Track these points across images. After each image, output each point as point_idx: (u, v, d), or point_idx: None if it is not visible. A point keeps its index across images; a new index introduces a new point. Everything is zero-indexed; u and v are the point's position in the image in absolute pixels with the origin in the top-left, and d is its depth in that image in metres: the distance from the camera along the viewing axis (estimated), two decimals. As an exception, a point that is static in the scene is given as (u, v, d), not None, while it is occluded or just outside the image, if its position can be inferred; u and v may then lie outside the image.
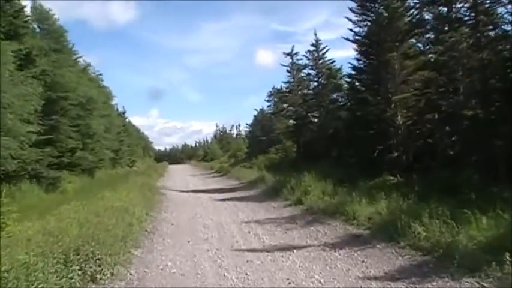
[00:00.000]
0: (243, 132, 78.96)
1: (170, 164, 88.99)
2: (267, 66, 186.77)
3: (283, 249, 9.15)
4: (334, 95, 31.21)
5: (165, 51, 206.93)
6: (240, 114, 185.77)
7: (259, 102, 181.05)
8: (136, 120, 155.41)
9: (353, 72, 22.72)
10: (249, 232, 11.09)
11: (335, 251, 8.76)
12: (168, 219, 13.69)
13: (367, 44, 20.60)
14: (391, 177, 16.14)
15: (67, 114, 25.02)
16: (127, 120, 64.59)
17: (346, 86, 28.60)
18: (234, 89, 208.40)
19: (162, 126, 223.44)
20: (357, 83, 23.39)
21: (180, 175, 43.65)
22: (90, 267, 6.66)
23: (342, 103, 29.48)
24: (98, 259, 6.91)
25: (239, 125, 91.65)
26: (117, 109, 55.76)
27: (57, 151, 23.81)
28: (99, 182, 26.26)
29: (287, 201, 16.03)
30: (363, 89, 21.81)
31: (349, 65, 22.13)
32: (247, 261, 8.22)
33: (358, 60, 21.68)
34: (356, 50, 21.36)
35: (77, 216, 9.16)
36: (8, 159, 13.60)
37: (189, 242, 10.12)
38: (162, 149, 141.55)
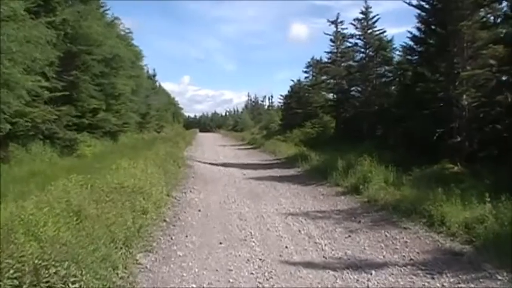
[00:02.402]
0: (275, 104, 76.80)
1: (200, 131, 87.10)
2: (300, 40, 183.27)
3: (355, 267, 6.38)
4: (383, 69, 28.03)
5: (200, 19, 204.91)
6: (271, 86, 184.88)
7: (291, 75, 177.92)
8: (167, 86, 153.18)
9: (410, 44, 19.83)
10: (300, 231, 8.34)
11: (433, 278, 5.93)
12: (193, 202, 11.04)
13: (433, 11, 17.67)
14: (451, 166, 13.71)
15: (89, 70, 22.49)
16: (157, 84, 62.38)
17: (397, 59, 25.89)
18: (267, 60, 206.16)
19: (193, 93, 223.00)
20: (412, 57, 20.72)
21: (210, 144, 41.03)
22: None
23: (391, 78, 26.53)
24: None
25: (272, 97, 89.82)
26: (147, 71, 53.45)
27: (76, 111, 21.52)
28: (121, 147, 23.91)
29: (338, 188, 13.22)
30: (420, 62, 19.09)
31: (408, 35, 19.20)
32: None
33: (419, 30, 18.87)
34: (419, 18, 18.44)
35: (66, 200, 6.53)
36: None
37: (221, 243, 7.41)
38: (192, 116, 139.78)
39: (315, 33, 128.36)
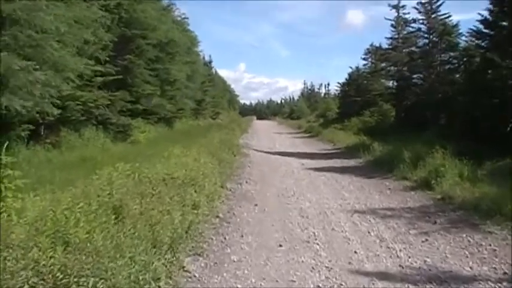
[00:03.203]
0: (332, 92, 75.47)
1: (257, 119, 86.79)
2: (355, 27, 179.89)
3: (438, 280, 5.32)
4: (448, 56, 26.36)
5: (256, 6, 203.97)
6: (326, 74, 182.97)
7: (346, 62, 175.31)
8: (223, 73, 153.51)
9: (479, 27, 18.64)
10: (369, 233, 7.29)
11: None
12: (249, 195, 10.14)
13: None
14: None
15: (143, 55, 22.03)
16: (213, 70, 62.05)
17: (462, 45, 24.32)
18: (322, 47, 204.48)
19: (248, 80, 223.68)
20: (481, 42, 19.31)
21: (266, 132, 40.11)
22: None
23: (456, 65, 25.17)
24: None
25: (328, 84, 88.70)
26: (204, 57, 53.10)
27: (131, 96, 21.11)
28: (175, 134, 23.40)
29: (406, 182, 11.99)
30: (490, 47, 17.79)
31: (476, 19, 18.13)
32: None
33: (490, 11, 17.75)
34: None
35: (108, 193, 5.77)
36: (45, 100, 10.34)
37: (280, 246, 6.48)
38: (248, 103, 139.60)
39: (370, 19, 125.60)
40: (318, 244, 6.62)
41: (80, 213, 4.59)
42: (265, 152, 20.17)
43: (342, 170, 14.57)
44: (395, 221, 8.08)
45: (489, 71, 16.54)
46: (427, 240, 6.92)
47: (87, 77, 15.57)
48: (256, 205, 9.06)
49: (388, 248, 6.53)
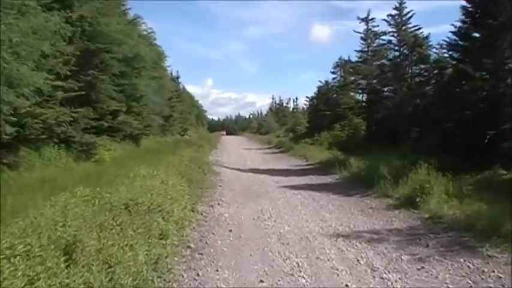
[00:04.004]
0: (300, 106, 75.75)
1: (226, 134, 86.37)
2: (321, 42, 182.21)
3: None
4: (419, 68, 26.33)
5: (223, 22, 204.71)
6: (294, 89, 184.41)
7: (314, 77, 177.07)
8: (190, 89, 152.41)
9: (452, 39, 18.24)
10: (358, 261, 6.57)
11: None
12: (223, 219, 9.31)
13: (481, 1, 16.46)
14: (504, 172, 12.24)
15: (108, 70, 21.08)
16: (181, 86, 61.19)
17: (433, 57, 24.29)
18: (289, 62, 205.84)
19: (216, 96, 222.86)
20: (454, 53, 19.09)
21: (235, 148, 39.24)
22: None
23: (427, 77, 25.08)
24: None
25: (296, 99, 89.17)
26: (171, 73, 52.24)
27: (95, 113, 20.15)
28: (142, 152, 22.50)
29: (388, 199, 11.37)
30: (463, 59, 17.54)
31: (447, 30, 18.09)
32: None
33: (464, 22, 17.46)
34: (464, 9, 17.11)
35: (62, 225, 4.93)
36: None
37: (262, 281, 5.70)
38: (216, 118, 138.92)
39: (336, 34, 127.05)
40: (303, 277, 5.86)
41: (21, 256, 3.75)
42: (236, 169, 19.39)
43: (319, 188, 13.90)
44: (383, 245, 7.41)
45: (463, 83, 16.22)
46: (423, 267, 6.26)
47: (47, 92, 14.63)
48: (230, 231, 8.24)
49: (382, 278, 5.84)
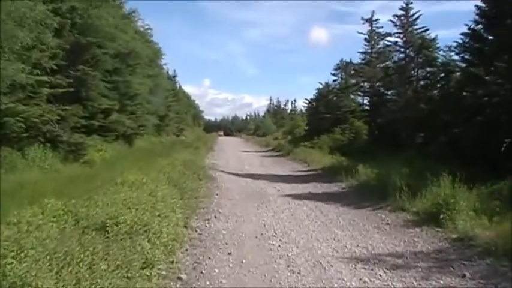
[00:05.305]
0: (298, 108, 75.07)
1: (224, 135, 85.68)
2: (320, 45, 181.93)
3: None
4: (425, 71, 25.26)
5: (224, 23, 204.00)
6: (292, 91, 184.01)
7: (312, 79, 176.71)
8: (187, 88, 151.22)
9: (462, 41, 17.69)
10: (385, 298, 5.39)
11: None
12: (220, 237, 8.01)
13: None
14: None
15: (100, 65, 19.87)
16: (177, 85, 60.05)
17: (441, 60, 23.19)
18: (288, 65, 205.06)
19: (213, 96, 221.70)
20: (464, 56, 18.30)
21: (232, 151, 37.86)
22: None
23: (434, 80, 24.12)
24: None
25: (294, 101, 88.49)
26: (168, 72, 51.06)
27: (85, 111, 18.98)
28: (135, 153, 21.35)
29: (405, 214, 10.14)
30: (473, 62, 16.93)
31: (463, 30, 17.20)
32: None
33: (477, 23, 16.77)
34: (478, 9, 16.44)
35: (11, 263, 3.71)
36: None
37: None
38: (212, 119, 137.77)
39: (335, 38, 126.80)
40: (323, 325, 4.66)
41: None
42: (234, 175, 18.13)
43: (325, 198, 12.70)
44: (411, 274, 6.24)
45: (473, 87, 15.65)
46: (464, 310, 5.06)
47: (31, 88, 13.46)
48: (230, 254, 6.95)
49: (420, 326, 4.64)
